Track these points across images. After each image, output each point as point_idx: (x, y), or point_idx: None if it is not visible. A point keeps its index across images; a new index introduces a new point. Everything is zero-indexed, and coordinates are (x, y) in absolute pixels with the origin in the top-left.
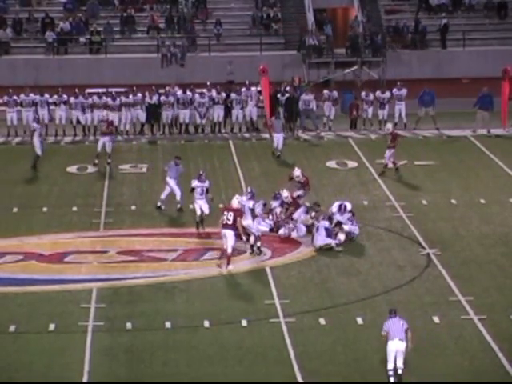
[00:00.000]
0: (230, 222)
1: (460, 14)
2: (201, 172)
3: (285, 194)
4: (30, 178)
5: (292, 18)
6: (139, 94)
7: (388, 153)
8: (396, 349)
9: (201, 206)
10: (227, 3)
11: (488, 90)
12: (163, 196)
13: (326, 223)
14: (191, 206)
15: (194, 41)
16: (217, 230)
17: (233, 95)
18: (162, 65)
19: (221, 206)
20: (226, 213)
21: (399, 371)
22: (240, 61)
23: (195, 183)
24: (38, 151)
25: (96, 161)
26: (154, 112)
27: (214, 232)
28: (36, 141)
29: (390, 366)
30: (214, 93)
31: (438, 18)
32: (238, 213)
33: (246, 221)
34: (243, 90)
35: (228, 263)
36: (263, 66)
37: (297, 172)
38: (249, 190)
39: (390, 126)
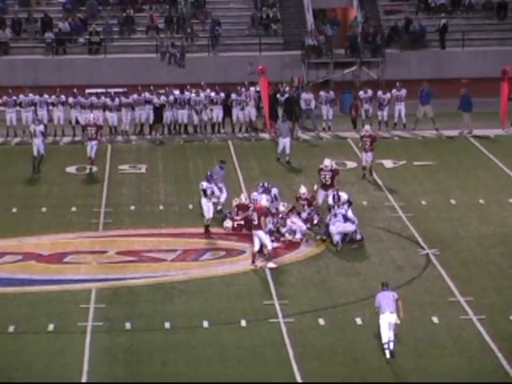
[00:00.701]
0: (256, 223)
1: (459, 14)
2: (209, 173)
3: (302, 190)
4: (29, 179)
5: (291, 18)
6: (143, 94)
7: (367, 156)
8: (388, 321)
9: (209, 207)
10: (226, 3)
11: (466, 91)
12: (222, 199)
13: (343, 210)
14: (190, 207)
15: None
16: (216, 231)
17: (233, 95)
18: (162, 59)
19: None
20: (252, 213)
21: (391, 345)
22: (239, 61)
23: (205, 185)
24: (36, 153)
25: (89, 166)
26: (160, 113)
27: (213, 232)
28: (39, 142)
29: (385, 339)
30: (212, 93)
31: (437, 18)
32: (262, 212)
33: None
34: (242, 90)
35: (269, 261)
36: (262, 66)
37: (302, 190)
38: (260, 185)
39: (368, 127)
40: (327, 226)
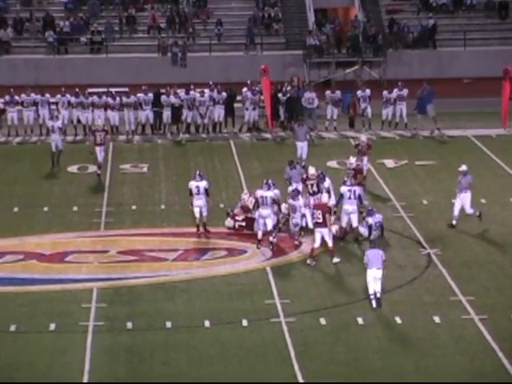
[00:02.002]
0: (321, 220)
1: (461, 13)
2: (198, 172)
3: (351, 160)
4: (30, 178)
5: (293, 17)
6: (150, 94)
7: (365, 162)
8: (374, 276)
9: (200, 207)
10: (228, 3)
11: (423, 91)
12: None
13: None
14: (191, 207)
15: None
16: (217, 230)
17: (249, 94)
18: (163, 56)
19: (221, 205)
20: (315, 211)
21: (378, 295)
22: (240, 61)
23: (191, 183)
24: (54, 148)
25: (98, 171)
26: (176, 113)
27: (214, 232)
28: (57, 137)
29: (371, 291)
30: (214, 93)
31: (436, 18)
32: (326, 209)
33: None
34: (244, 89)
35: (333, 256)
36: (264, 66)
37: (311, 170)
38: (265, 182)
39: (364, 137)
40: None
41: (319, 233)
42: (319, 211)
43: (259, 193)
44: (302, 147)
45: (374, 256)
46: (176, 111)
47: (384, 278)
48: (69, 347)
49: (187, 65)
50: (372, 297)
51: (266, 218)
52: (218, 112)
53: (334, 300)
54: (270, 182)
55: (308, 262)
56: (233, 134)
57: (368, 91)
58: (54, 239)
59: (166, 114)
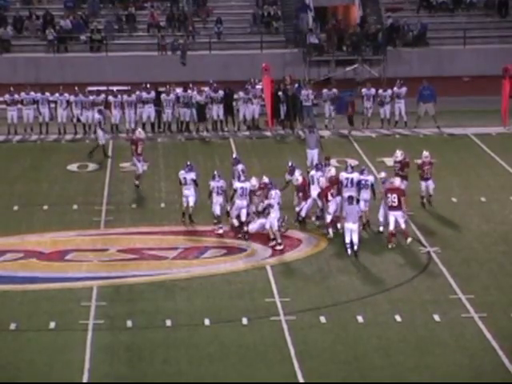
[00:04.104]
0: (396, 204)
1: (460, 12)
2: (188, 162)
3: (397, 153)
4: (30, 177)
5: (293, 16)
6: (153, 92)
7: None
8: (350, 228)
9: (187, 197)
10: (228, 1)
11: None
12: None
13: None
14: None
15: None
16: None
17: (241, 93)
18: (162, 53)
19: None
20: (389, 195)
21: (355, 247)
22: (241, 59)
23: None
24: (101, 141)
25: (137, 182)
26: (201, 111)
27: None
28: (99, 131)
29: (347, 240)
30: (212, 92)
31: (438, 16)
32: (401, 193)
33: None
34: (249, 87)
35: (406, 238)
36: (265, 64)
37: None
38: (289, 164)
39: (398, 153)
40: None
41: (393, 216)
42: (394, 195)
43: (237, 184)
44: (313, 155)
45: (351, 211)
46: (201, 109)
47: (360, 230)
48: (69, 345)
49: (187, 63)
50: (348, 245)
51: (242, 209)
52: (217, 111)
53: (334, 298)
54: (240, 169)
55: (389, 246)
56: (233, 133)
57: (373, 90)
58: (54, 237)
59: (166, 113)
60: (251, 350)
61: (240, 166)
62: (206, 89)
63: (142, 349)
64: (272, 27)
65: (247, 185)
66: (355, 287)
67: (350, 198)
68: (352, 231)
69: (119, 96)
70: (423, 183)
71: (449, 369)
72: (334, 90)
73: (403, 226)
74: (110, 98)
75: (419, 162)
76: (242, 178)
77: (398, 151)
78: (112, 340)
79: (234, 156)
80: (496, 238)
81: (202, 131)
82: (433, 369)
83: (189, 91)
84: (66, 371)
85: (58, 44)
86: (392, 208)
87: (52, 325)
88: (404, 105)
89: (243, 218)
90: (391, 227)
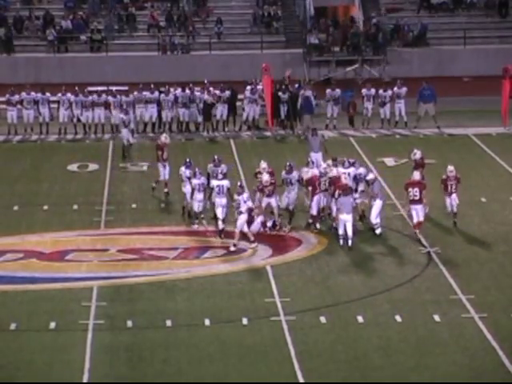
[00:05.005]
0: (418, 198)
1: (461, 12)
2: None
3: (415, 151)
4: (30, 177)
5: (293, 16)
6: (156, 92)
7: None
8: (344, 220)
9: (222, 205)
10: (228, 1)
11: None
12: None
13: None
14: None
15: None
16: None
17: (247, 93)
18: (163, 53)
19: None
20: (411, 189)
21: (349, 241)
22: (241, 59)
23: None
24: (126, 141)
25: (166, 189)
26: (208, 111)
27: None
28: (124, 131)
29: (341, 232)
30: (217, 91)
31: (438, 16)
32: (423, 186)
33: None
34: (248, 87)
35: (418, 228)
36: (265, 64)
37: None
38: (288, 164)
39: (417, 152)
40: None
41: (415, 210)
42: (416, 189)
43: (215, 182)
44: (317, 158)
45: (345, 202)
46: (208, 109)
47: (354, 221)
48: (69, 345)
49: (187, 63)
50: (341, 237)
51: (223, 207)
52: (221, 111)
53: (334, 298)
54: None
55: (417, 231)
56: (233, 133)
57: (373, 90)
58: (54, 238)
59: (166, 113)
60: (251, 350)
61: (223, 168)
62: (211, 89)
63: (142, 349)
64: (272, 27)
65: (224, 182)
66: (355, 287)
67: (344, 191)
68: (346, 222)
69: (118, 96)
70: (448, 198)
71: (449, 369)
72: (338, 90)
73: (422, 218)
74: (109, 98)
75: (444, 177)
76: (220, 176)
77: (415, 150)
78: (112, 340)
79: (216, 156)
80: (496, 238)
81: (202, 131)
82: (433, 369)
83: (187, 91)
84: (66, 371)
85: (59, 44)
86: (413, 202)
87: (52, 325)
88: (404, 105)
89: (220, 216)
90: (415, 220)
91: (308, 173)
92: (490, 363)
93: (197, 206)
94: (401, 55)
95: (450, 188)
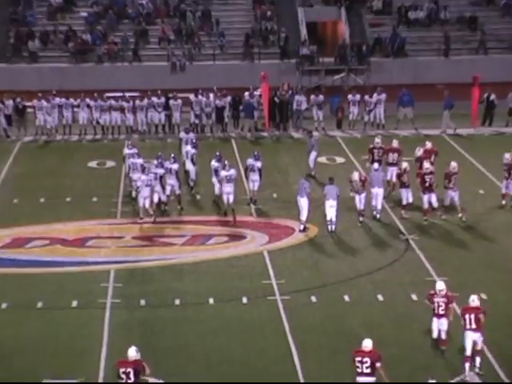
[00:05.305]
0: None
1: (435, 27)
2: (225, 162)
3: (507, 155)
4: (55, 172)
5: (287, 30)
6: (163, 98)
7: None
8: (330, 205)
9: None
10: (229, 17)
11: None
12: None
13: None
14: (198, 197)
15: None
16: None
17: (247, 98)
18: (172, 71)
19: None
20: (425, 179)
21: (333, 226)
22: (240, 68)
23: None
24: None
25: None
26: (220, 114)
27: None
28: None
29: (328, 217)
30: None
31: (415, 30)
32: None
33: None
34: (246, 94)
35: (425, 215)
36: (264, 72)
37: (355, 176)
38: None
39: (429, 144)
40: None
41: (427, 197)
42: (430, 176)
43: (223, 173)
44: (312, 160)
45: (330, 191)
46: (220, 112)
47: (338, 207)
48: (89, 322)
49: (192, 72)
50: (329, 222)
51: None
52: (229, 114)
53: (324, 280)
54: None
55: (425, 218)
56: (237, 133)
57: (358, 96)
58: (77, 226)
59: (175, 116)
60: (250, 325)
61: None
62: (212, 94)
63: (153, 324)
64: (269, 40)
65: (232, 172)
66: (342, 270)
67: (330, 180)
68: (331, 207)
69: (131, 101)
70: (450, 192)
71: (424, 341)
72: (321, 96)
73: (435, 204)
74: (124, 103)
75: (446, 171)
76: (227, 167)
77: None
78: (127, 317)
79: (218, 153)
80: (466, 226)
81: (215, 132)
82: (410, 341)
83: (199, 96)
84: (87, 344)
85: (80, 55)
86: (426, 189)
87: (74, 303)
88: (383, 109)
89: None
90: (426, 205)
91: (356, 176)
92: (461, 334)
93: (142, 202)
94: (382, 65)
95: (450, 183)
